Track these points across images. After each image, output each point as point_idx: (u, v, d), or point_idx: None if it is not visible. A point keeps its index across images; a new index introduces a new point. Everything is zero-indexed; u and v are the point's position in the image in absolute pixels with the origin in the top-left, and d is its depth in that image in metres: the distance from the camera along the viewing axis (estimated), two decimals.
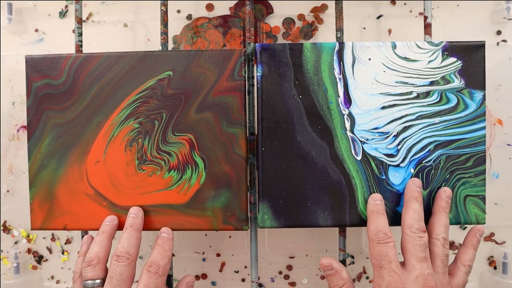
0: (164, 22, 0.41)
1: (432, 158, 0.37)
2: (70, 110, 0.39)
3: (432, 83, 0.37)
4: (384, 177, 0.37)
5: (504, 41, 0.50)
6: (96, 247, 0.37)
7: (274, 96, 0.37)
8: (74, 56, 0.39)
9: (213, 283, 0.52)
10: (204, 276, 0.52)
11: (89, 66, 0.39)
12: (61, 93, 0.39)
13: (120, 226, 0.39)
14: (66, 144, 0.39)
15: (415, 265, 0.33)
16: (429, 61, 0.37)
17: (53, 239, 0.52)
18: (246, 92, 0.38)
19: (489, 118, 0.49)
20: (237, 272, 0.52)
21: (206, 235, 0.52)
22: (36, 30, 0.52)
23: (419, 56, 0.37)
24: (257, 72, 0.37)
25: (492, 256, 0.51)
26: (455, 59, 0.37)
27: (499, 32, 0.50)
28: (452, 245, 0.51)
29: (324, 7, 0.50)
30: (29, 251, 0.53)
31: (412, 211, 0.35)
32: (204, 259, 0.52)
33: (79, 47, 0.41)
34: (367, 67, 0.37)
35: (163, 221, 0.38)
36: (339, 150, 0.37)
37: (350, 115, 0.37)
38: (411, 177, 0.37)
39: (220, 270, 0.52)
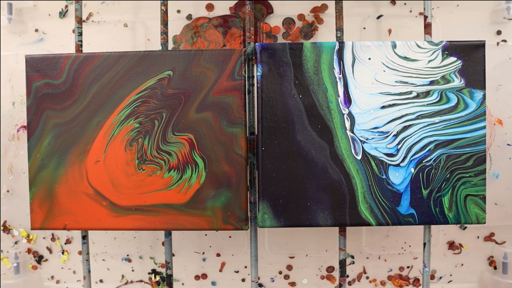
0: (164, 22, 0.41)
1: (432, 158, 0.37)
2: (70, 110, 0.39)
3: (432, 83, 0.37)
4: (384, 176, 0.37)
5: (504, 41, 0.50)
6: None
7: (274, 96, 0.37)
8: (74, 56, 0.39)
9: (213, 283, 0.52)
10: (204, 276, 0.52)
11: (89, 66, 0.39)
12: (61, 93, 0.39)
13: (121, 226, 0.38)
14: (66, 143, 0.39)
15: None
16: (429, 61, 0.37)
17: (53, 239, 0.52)
18: (246, 92, 0.38)
19: (489, 118, 0.49)
20: (237, 272, 0.52)
21: (206, 235, 0.52)
22: (36, 30, 0.52)
23: (419, 56, 0.37)
24: (257, 71, 0.37)
25: (492, 256, 0.51)
26: (455, 59, 0.37)
27: (499, 32, 0.50)
28: (452, 245, 0.51)
29: (324, 7, 0.50)
30: (29, 251, 0.53)
31: None
32: (204, 259, 0.52)
33: (79, 47, 0.41)
34: (367, 67, 0.37)
35: (163, 221, 0.38)
36: (339, 149, 0.37)
37: (350, 115, 0.37)
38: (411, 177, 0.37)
39: (220, 270, 0.52)
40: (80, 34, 0.42)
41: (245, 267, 0.52)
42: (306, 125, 0.37)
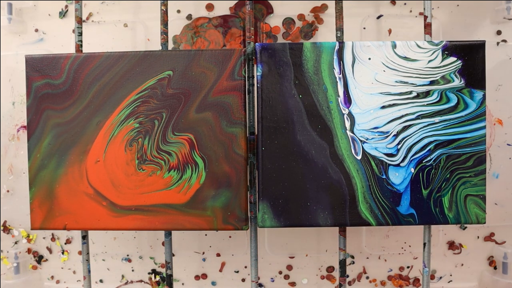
0: (164, 22, 0.41)
1: (432, 158, 0.37)
2: (70, 110, 0.39)
3: (432, 83, 0.37)
4: (384, 176, 0.37)
5: (504, 41, 0.50)
6: None
7: (274, 96, 0.37)
8: (74, 56, 0.39)
9: (213, 283, 0.52)
10: (204, 276, 0.52)
11: (89, 66, 0.39)
12: (61, 93, 0.39)
13: (121, 226, 0.38)
14: (66, 143, 0.39)
15: None
16: (429, 61, 0.37)
17: (53, 239, 0.52)
18: (246, 92, 0.38)
19: (489, 118, 0.49)
20: (237, 272, 0.52)
21: (206, 235, 0.52)
22: (36, 30, 0.52)
23: (419, 56, 0.37)
24: (257, 71, 0.37)
25: (492, 256, 0.51)
26: (455, 59, 0.37)
27: (499, 32, 0.50)
28: (452, 245, 0.51)
29: (324, 7, 0.50)
30: (29, 251, 0.53)
31: None
32: (204, 259, 0.52)
33: (79, 47, 0.41)
34: (367, 67, 0.37)
35: (163, 221, 0.38)
36: (339, 149, 0.37)
37: (350, 115, 0.37)
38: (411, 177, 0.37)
39: (220, 270, 0.52)
40: (80, 34, 0.42)
41: (245, 267, 0.52)
42: (306, 125, 0.37)
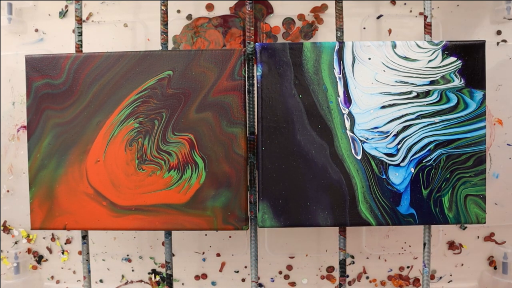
0: (164, 22, 0.41)
1: (432, 158, 0.37)
2: (70, 110, 0.39)
3: (432, 83, 0.37)
4: (384, 176, 0.37)
5: (504, 41, 0.50)
6: None
7: (274, 96, 0.37)
8: (74, 56, 0.39)
9: (213, 283, 0.52)
10: (204, 276, 0.52)
11: (89, 66, 0.39)
12: (61, 93, 0.39)
13: (121, 226, 0.38)
14: (66, 143, 0.39)
15: None
16: (429, 61, 0.37)
17: (53, 239, 0.52)
18: (246, 92, 0.38)
19: (489, 118, 0.49)
20: (237, 272, 0.52)
21: (206, 235, 0.52)
22: (36, 30, 0.52)
23: (419, 56, 0.37)
24: (257, 71, 0.37)
25: (492, 256, 0.51)
26: (455, 59, 0.37)
27: (499, 32, 0.50)
28: (452, 245, 0.51)
29: (324, 7, 0.50)
30: (29, 251, 0.53)
31: None
32: (204, 259, 0.52)
33: (79, 47, 0.41)
34: (367, 67, 0.37)
35: (163, 221, 0.38)
36: (339, 149, 0.37)
37: (350, 115, 0.37)
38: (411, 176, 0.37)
39: (220, 270, 0.52)
40: (80, 34, 0.42)
41: (245, 267, 0.52)
42: (306, 125, 0.37)
